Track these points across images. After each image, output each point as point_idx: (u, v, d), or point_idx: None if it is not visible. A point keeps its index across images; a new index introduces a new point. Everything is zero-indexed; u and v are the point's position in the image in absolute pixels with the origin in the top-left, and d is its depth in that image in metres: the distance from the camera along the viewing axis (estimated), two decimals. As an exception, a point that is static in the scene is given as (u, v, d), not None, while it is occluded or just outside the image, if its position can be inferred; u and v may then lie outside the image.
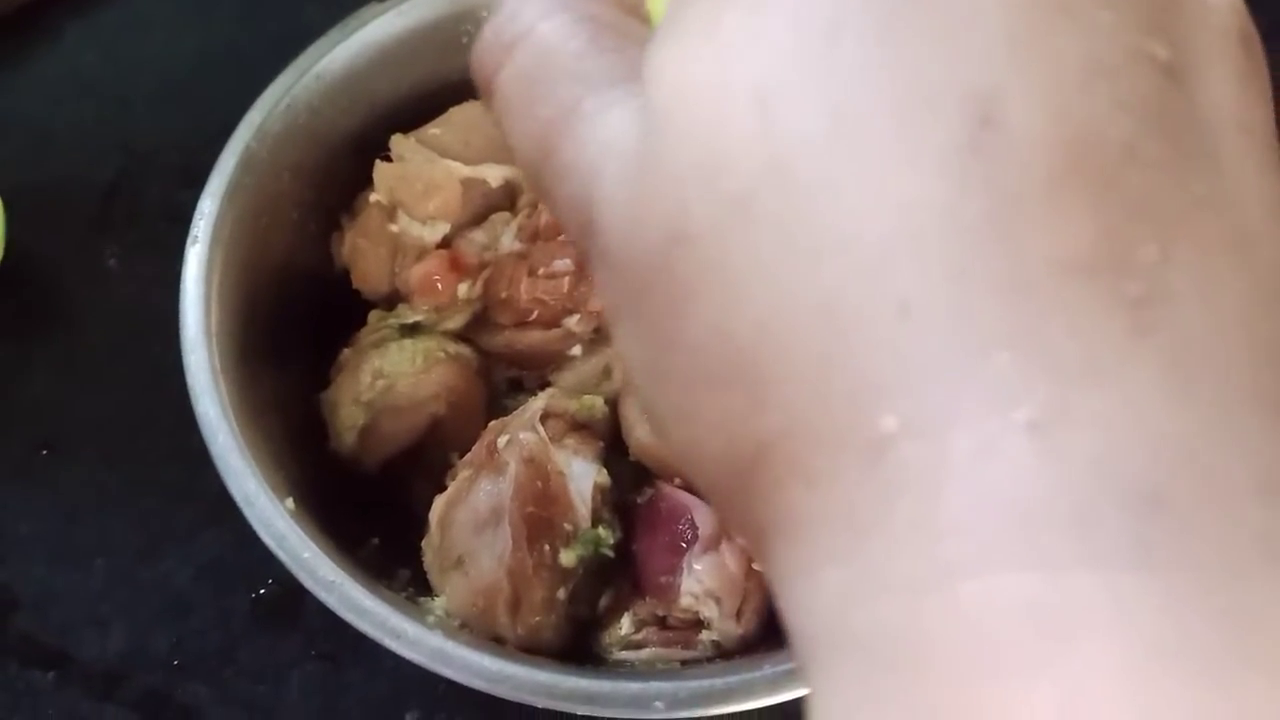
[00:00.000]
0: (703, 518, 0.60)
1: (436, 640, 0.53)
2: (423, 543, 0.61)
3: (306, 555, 0.54)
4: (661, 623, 0.61)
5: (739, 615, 0.60)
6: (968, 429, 0.21)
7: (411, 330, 0.66)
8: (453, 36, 0.70)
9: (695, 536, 0.60)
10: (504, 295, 0.65)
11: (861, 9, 0.23)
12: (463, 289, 0.65)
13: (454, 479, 0.61)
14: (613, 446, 0.63)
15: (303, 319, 0.67)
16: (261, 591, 0.67)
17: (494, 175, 0.66)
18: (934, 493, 0.21)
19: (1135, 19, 0.24)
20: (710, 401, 0.25)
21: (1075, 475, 0.21)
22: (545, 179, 0.28)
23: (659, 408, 0.27)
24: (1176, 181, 0.23)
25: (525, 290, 0.64)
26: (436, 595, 0.60)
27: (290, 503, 0.56)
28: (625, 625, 0.61)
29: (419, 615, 0.56)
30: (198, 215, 0.62)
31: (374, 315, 0.68)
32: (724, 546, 0.60)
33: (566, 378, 0.66)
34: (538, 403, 0.61)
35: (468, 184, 0.66)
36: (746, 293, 0.24)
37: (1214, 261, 0.23)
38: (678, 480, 0.62)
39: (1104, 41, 0.23)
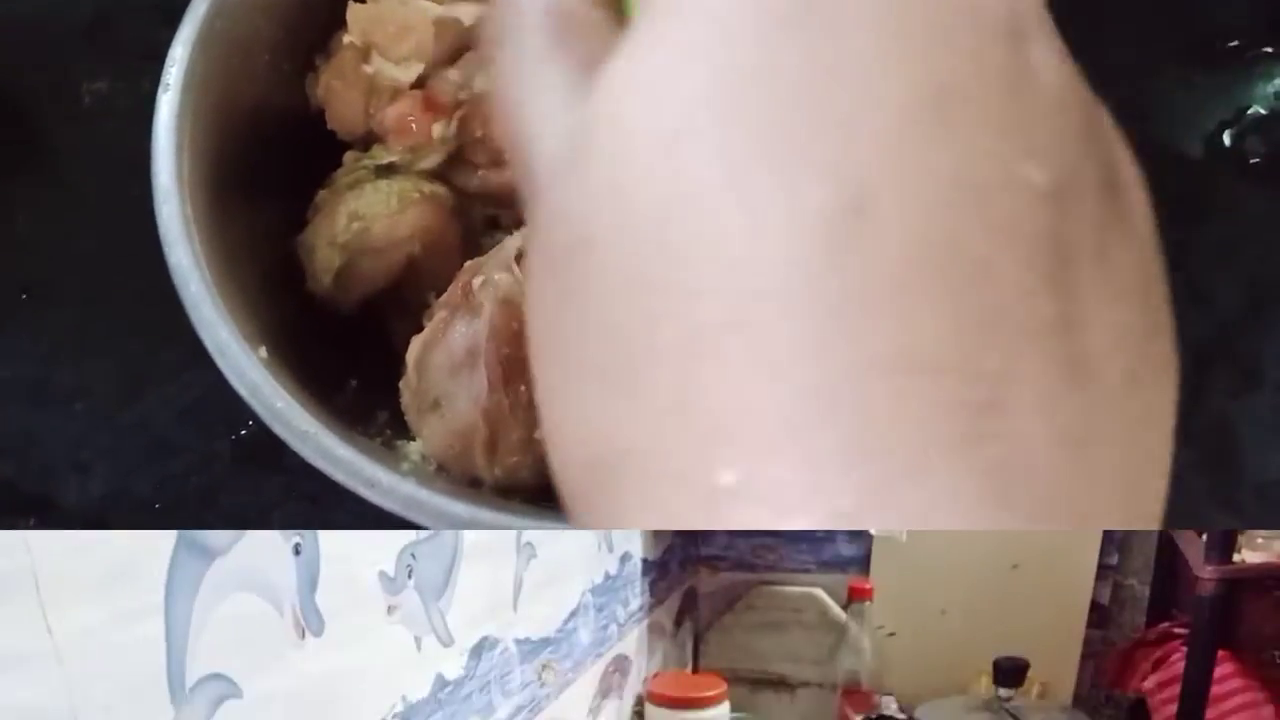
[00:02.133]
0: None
1: (409, 488, 0.54)
2: (400, 384, 0.61)
3: (280, 405, 0.54)
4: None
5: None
6: (795, 505, 0.23)
7: (387, 171, 0.65)
8: None
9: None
10: (479, 134, 0.65)
11: (775, 73, 0.25)
12: (438, 129, 0.65)
13: (430, 319, 0.61)
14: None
15: (278, 161, 0.66)
16: (242, 432, 0.67)
17: (467, 14, 0.65)
18: None
19: (1015, 144, 0.25)
20: (586, 394, 0.26)
21: None
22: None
23: (542, 380, 0.29)
24: (1028, 303, 0.24)
25: (500, 129, 0.63)
26: (415, 437, 0.60)
27: (263, 351, 0.56)
28: (602, 462, 0.61)
29: (393, 462, 0.56)
30: (169, 62, 0.61)
31: (349, 156, 0.67)
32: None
33: (543, 217, 0.65)
34: (513, 242, 0.61)
35: (441, 24, 0.65)
36: (629, 308, 0.25)
37: (1053, 384, 0.24)
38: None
39: (978, 163, 0.24)
